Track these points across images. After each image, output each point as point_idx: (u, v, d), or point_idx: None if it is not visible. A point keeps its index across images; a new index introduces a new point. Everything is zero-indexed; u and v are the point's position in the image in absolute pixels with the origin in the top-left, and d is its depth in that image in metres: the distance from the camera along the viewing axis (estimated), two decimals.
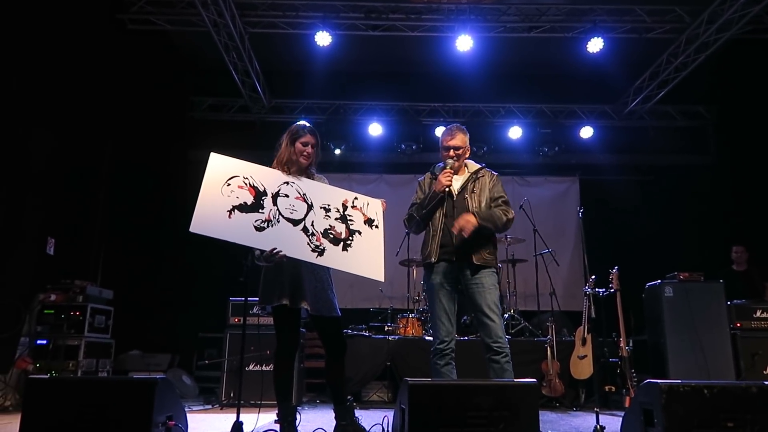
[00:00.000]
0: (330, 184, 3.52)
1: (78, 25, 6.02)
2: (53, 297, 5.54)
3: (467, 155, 3.62)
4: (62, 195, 6.05)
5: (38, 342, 5.36)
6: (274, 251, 3.01)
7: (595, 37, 6.89)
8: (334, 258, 3.20)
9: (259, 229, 3.07)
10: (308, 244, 3.15)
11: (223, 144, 8.45)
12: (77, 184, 6.35)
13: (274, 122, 8.68)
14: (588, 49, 7.02)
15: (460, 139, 3.55)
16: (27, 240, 5.59)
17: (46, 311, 5.49)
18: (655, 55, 7.63)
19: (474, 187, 3.52)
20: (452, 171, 3.47)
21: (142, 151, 7.41)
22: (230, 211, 3.03)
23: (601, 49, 6.98)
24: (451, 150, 3.52)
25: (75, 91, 6.08)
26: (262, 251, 3.08)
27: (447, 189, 3.42)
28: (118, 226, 7.05)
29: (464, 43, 6.96)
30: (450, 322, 3.41)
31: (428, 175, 3.68)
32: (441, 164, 3.61)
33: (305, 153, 3.36)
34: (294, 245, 3.10)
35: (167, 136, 8.01)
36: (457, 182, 3.54)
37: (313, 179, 3.43)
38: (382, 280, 3.33)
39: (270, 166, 3.39)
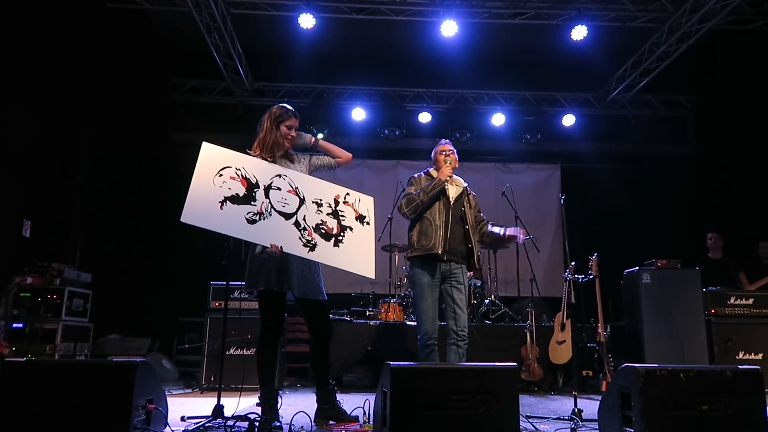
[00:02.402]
0: (311, 161, 3.53)
1: (56, 4, 5.86)
2: (30, 280, 5.46)
3: (457, 165, 4.07)
4: (39, 177, 5.94)
5: (14, 325, 5.29)
6: (274, 246, 3.01)
7: (580, 25, 6.90)
8: (325, 253, 3.21)
9: (250, 221, 3.05)
10: (300, 238, 3.15)
11: (205, 127, 8.50)
12: (55, 166, 6.24)
13: (256, 105, 8.58)
14: (572, 37, 7.03)
15: (451, 147, 4.12)
16: (2, 222, 5.48)
17: (22, 294, 5.41)
18: (638, 44, 7.67)
19: (468, 201, 4.03)
20: (451, 167, 3.95)
21: (122, 133, 7.29)
22: (222, 202, 3.00)
23: (584, 37, 6.99)
24: (446, 152, 4.05)
25: (52, 70, 5.95)
26: (264, 247, 3.07)
27: (448, 180, 3.90)
28: (97, 208, 6.96)
29: (449, 28, 6.92)
30: (434, 315, 3.83)
31: (423, 174, 4.10)
32: (430, 168, 4.13)
33: (289, 136, 3.39)
34: (286, 239, 3.10)
35: (148, 117, 7.89)
36: (452, 190, 4.00)
37: (293, 161, 3.42)
38: (373, 277, 3.40)
39: (251, 149, 3.37)
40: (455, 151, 4.12)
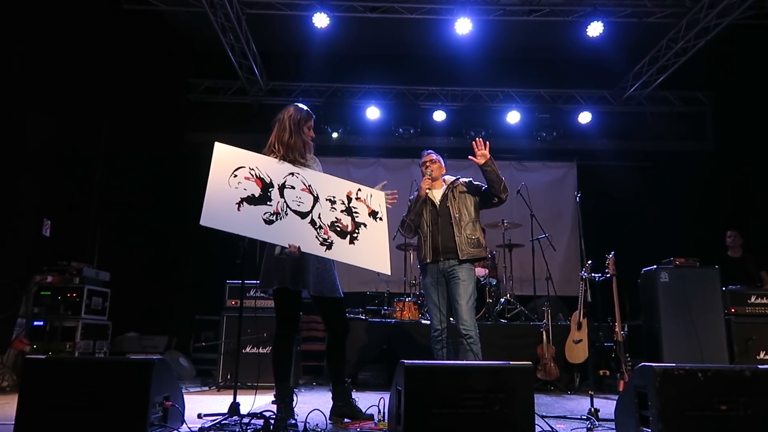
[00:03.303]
0: (326, 168, 3.55)
1: (73, 6, 5.94)
2: (50, 278, 5.54)
3: (443, 172, 4.30)
4: (58, 177, 6.02)
5: (35, 323, 5.37)
6: (293, 246, 3.04)
7: (595, 21, 6.84)
8: (341, 251, 3.24)
9: (268, 222, 3.08)
10: (317, 237, 3.18)
11: (220, 127, 8.57)
12: (73, 166, 6.32)
13: (271, 105, 8.62)
14: (587, 34, 6.96)
15: (429, 156, 4.29)
16: (23, 221, 5.57)
17: (42, 292, 5.49)
18: (654, 40, 7.58)
19: (453, 195, 4.14)
20: (430, 178, 4.13)
21: (139, 133, 7.36)
22: (239, 204, 3.03)
23: (600, 34, 6.93)
24: (426, 163, 4.23)
25: (71, 72, 6.02)
26: (283, 248, 3.10)
27: (426, 193, 4.10)
28: (115, 207, 7.03)
29: (463, 26, 6.90)
30: (441, 313, 4.03)
31: (416, 193, 4.26)
32: None
33: (310, 138, 3.42)
34: (303, 238, 3.13)
35: (163, 117, 7.96)
36: (438, 193, 4.20)
37: (306, 159, 3.43)
38: (389, 273, 3.44)
39: (265, 148, 3.37)
40: (437, 158, 4.28)
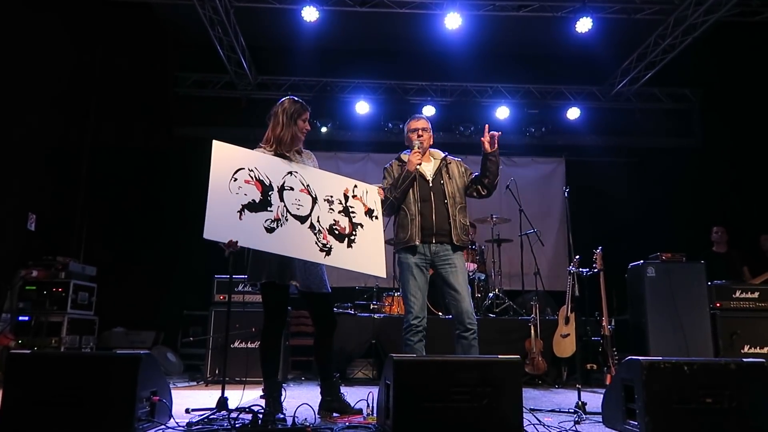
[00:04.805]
0: (316, 161, 3.52)
1: None
2: (35, 273, 5.49)
3: (431, 142, 3.83)
4: (44, 171, 5.96)
5: (20, 318, 5.32)
6: (231, 242, 2.93)
7: (584, 17, 6.84)
8: (340, 257, 3.22)
9: (269, 230, 3.04)
10: (316, 243, 3.16)
11: (209, 121, 8.47)
12: (59, 160, 6.26)
13: (260, 99, 8.56)
14: (576, 29, 6.97)
15: (424, 123, 3.81)
16: (7, 215, 5.50)
17: (27, 287, 5.44)
18: (643, 36, 7.62)
19: (447, 173, 3.72)
20: (420, 151, 3.66)
21: (126, 127, 7.30)
22: (240, 212, 2.98)
23: (589, 30, 6.93)
24: (418, 130, 3.74)
25: (57, 65, 5.95)
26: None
27: (417, 168, 3.61)
28: (101, 202, 6.98)
29: (453, 21, 6.89)
30: (423, 299, 3.58)
31: (395, 162, 3.83)
32: (407, 151, 3.79)
33: (305, 130, 3.38)
34: (303, 246, 3.10)
35: (151, 111, 7.89)
36: (428, 167, 3.74)
37: (301, 153, 3.42)
38: (384, 276, 3.42)
39: (260, 142, 3.35)
40: (429, 127, 3.80)
